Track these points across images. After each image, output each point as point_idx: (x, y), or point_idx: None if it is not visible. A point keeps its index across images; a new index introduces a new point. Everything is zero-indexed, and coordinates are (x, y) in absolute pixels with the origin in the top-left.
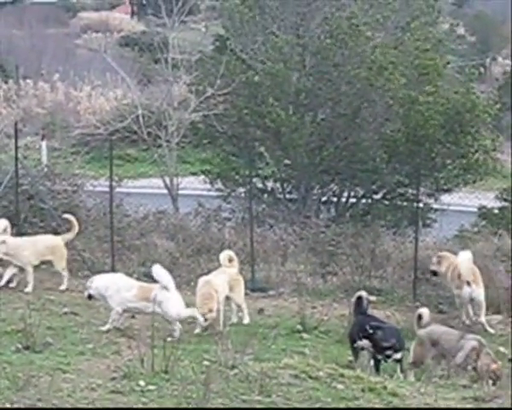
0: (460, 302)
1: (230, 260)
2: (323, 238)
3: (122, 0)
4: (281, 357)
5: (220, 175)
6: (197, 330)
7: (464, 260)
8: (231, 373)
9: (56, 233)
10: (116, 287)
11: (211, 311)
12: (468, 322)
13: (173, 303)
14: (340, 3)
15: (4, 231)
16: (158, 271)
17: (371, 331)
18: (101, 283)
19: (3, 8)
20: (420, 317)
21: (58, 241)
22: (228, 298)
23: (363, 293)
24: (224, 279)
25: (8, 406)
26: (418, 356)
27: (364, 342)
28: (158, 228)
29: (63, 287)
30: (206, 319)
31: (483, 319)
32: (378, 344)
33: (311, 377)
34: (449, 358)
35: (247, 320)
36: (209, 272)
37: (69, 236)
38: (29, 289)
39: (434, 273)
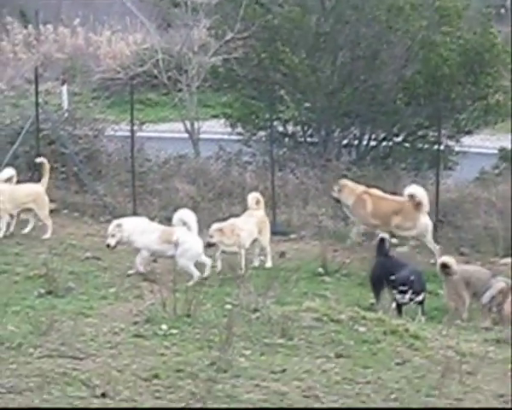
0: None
1: (257, 203)
2: None
3: None
4: (302, 300)
5: (241, 119)
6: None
7: (423, 191)
8: (253, 316)
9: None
10: (140, 229)
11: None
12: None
13: (194, 246)
14: None
15: (9, 179)
16: (184, 212)
17: (393, 277)
18: (125, 226)
19: None
20: (445, 265)
21: (39, 188)
22: (255, 241)
23: (386, 235)
24: (252, 222)
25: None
26: (457, 301)
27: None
28: (179, 172)
29: (47, 236)
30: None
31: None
32: (399, 287)
33: (332, 320)
34: (478, 297)
35: (269, 264)
36: (230, 215)
37: (45, 180)
38: None
39: (337, 200)
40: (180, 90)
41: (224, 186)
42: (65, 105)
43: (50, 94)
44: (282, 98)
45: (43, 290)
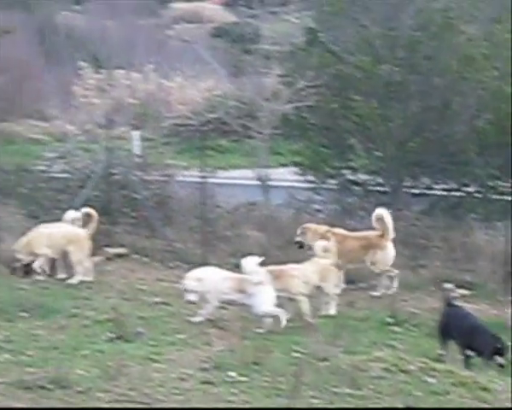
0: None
1: (325, 251)
2: (414, 231)
3: None
4: (371, 350)
5: (311, 167)
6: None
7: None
8: (322, 365)
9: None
10: (213, 280)
11: None
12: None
13: (265, 298)
14: None
15: (72, 221)
16: (251, 264)
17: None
18: (197, 276)
19: None
20: None
21: (79, 232)
22: (318, 288)
23: (449, 285)
24: (311, 269)
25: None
26: None
27: None
28: (249, 219)
29: (73, 281)
30: None
31: None
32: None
33: (401, 371)
34: None
35: (332, 312)
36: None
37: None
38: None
39: (300, 246)
40: (251, 138)
41: (294, 234)
42: (136, 150)
43: (122, 139)
44: (353, 147)
45: (112, 335)
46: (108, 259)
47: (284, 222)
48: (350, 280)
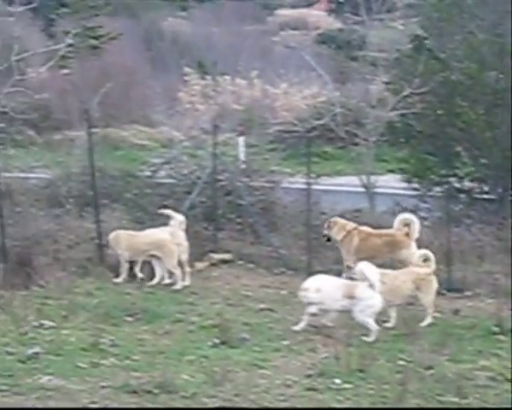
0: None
1: (426, 260)
2: None
3: None
4: (477, 359)
5: (417, 174)
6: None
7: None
8: (427, 374)
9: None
10: (329, 289)
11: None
12: None
13: (375, 302)
14: None
15: (179, 225)
16: (366, 268)
17: None
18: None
19: (202, 5)
20: None
21: (164, 236)
22: (415, 297)
23: None
24: (403, 278)
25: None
26: None
27: None
28: None
29: (177, 287)
30: None
31: None
32: None
33: (508, 380)
34: None
35: (425, 323)
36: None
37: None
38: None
39: (328, 239)
40: (357, 144)
41: None
42: (241, 156)
43: (227, 145)
44: (459, 154)
45: (217, 340)
46: (213, 264)
47: None
48: (456, 288)
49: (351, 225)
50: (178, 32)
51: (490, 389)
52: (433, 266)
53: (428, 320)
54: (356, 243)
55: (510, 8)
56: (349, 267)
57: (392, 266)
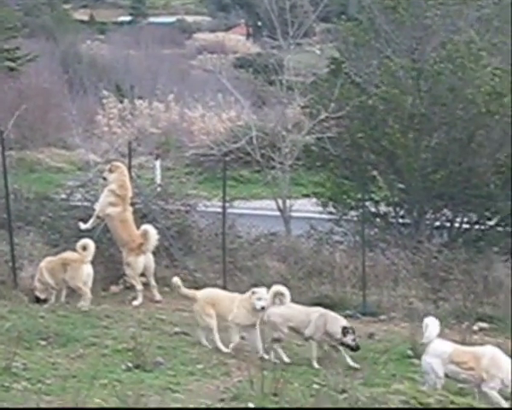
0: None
1: None
2: (436, 264)
3: (238, 22)
4: (391, 382)
5: (332, 198)
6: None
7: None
8: (341, 397)
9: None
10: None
11: None
12: None
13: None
14: (457, 28)
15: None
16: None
17: None
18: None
19: (121, 28)
20: None
21: (74, 257)
22: None
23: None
24: None
25: None
26: None
27: None
28: (270, 250)
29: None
30: None
31: None
32: None
33: (421, 404)
34: None
35: None
36: (320, 295)
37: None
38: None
39: None
40: (273, 168)
41: (315, 265)
42: (158, 180)
43: (144, 168)
44: (375, 178)
45: (130, 364)
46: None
47: (305, 253)
48: (370, 312)
49: None
50: (96, 55)
51: None
52: None
53: None
54: None
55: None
56: None
57: None
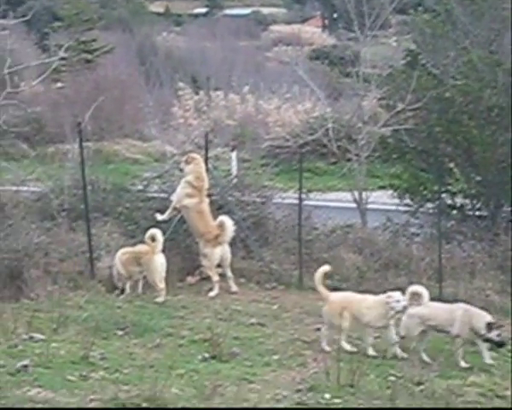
0: None
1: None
2: None
3: (313, 13)
4: (467, 375)
5: (409, 190)
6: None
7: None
8: (417, 389)
9: None
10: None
11: None
12: None
13: None
14: None
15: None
16: None
17: None
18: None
19: (196, 20)
20: None
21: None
22: None
23: None
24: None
25: None
26: None
27: None
28: (345, 242)
29: (159, 299)
30: None
31: None
32: None
33: (498, 396)
34: None
35: None
36: (396, 287)
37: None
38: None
39: None
40: (349, 160)
41: (391, 257)
42: (234, 171)
43: (220, 160)
44: (451, 171)
45: (207, 355)
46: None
47: (381, 245)
48: None
49: None
50: (172, 47)
51: (479, 405)
52: None
53: None
54: None
55: (510, 23)
56: None
57: None
